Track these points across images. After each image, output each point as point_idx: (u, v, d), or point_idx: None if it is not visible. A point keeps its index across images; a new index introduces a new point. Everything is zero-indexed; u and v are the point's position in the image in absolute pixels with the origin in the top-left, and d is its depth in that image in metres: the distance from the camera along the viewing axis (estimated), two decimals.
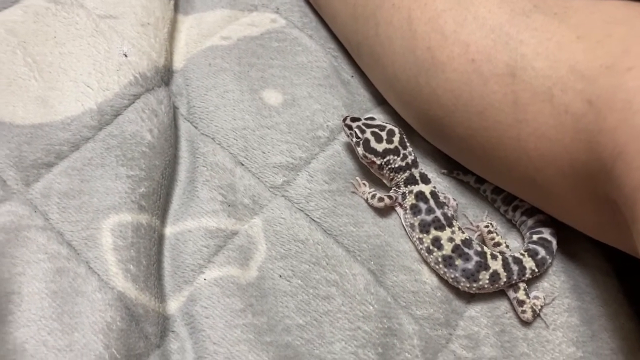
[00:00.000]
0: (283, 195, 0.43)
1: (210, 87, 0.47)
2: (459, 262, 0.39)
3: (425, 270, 0.41)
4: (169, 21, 0.50)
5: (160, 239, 0.40)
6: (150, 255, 0.38)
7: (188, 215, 0.41)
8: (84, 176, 0.40)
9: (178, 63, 0.50)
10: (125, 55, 0.45)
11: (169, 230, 0.41)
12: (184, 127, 0.46)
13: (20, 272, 0.36)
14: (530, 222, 0.43)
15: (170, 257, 0.40)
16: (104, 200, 0.39)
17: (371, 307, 0.39)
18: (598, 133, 0.32)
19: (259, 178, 0.43)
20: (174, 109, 0.47)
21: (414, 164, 0.43)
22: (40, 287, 0.35)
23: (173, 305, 0.39)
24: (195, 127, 0.46)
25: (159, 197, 0.41)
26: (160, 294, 0.38)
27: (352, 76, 0.51)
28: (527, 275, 0.40)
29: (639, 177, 0.30)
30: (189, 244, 0.40)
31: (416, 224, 0.41)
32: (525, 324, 0.40)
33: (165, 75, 0.47)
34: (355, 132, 0.43)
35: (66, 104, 0.43)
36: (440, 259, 0.40)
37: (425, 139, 0.46)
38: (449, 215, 0.41)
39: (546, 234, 0.42)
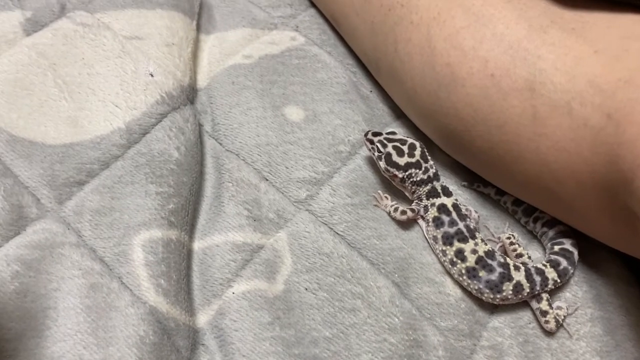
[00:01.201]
0: (307, 210, 0.44)
1: (234, 105, 0.49)
2: (482, 273, 0.40)
3: (448, 281, 0.42)
4: (192, 41, 0.51)
5: (189, 253, 0.41)
6: (180, 270, 0.39)
7: (215, 230, 0.42)
8: (114, 194, 0.41)
9: (202, 82, 0.51)
10: (152, 75, 0.47)
11: (197, 245, 0.42)
12: (209, 144, 0.47)
13: (56, 288, 0.37)
14: (551, 233, 0.43)
15: (198, 272, 0.41)
16: (135, 217, 0.40)
17: (396, 319, 0.39)
18: (617, 146, 0.33)
19: (283, 193, 0.44)
20: (199, 126, 0.48)
21: (436, 177, 0.44)
22: (75, 303, 0.36)
23: (202, 318, 0.40)
24: (220, 144, 0.47)
25: (187, 213, 0.42)
26: (190, 308, 0.39)
27: (371, 91, 0.52)
28: (549, 286, 0.40)
29: None
30: (217, 258, 0.41)
31: (439, 236, 0.42)
32: (549, 334, 0.40)
33: (190, 94, 0.48)
34: (377, 146, 0.44)
35: (95, 124, 0.44)
36: (464, 271, 0.40)
37: (445, 152, 0.47)
38: (472, 227, 0.42)
39: (567, 244, 0.42)
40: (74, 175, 0.41)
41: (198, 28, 0.54)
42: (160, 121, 0.45)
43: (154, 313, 0.37)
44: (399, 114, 0.51)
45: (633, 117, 0.32)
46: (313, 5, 0.57)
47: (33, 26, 0.49)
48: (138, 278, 0.38)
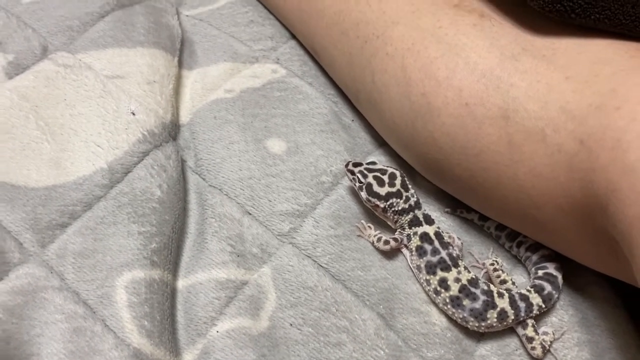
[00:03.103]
0: (290, 243, 0.44)
1: (216, 140, 0.49)
2: (466, 302, 0.40)
3: (434, 311, 0.42)
4: (173, 77, 0.51)
5: (173, 292, 0.41)
6: (163, 310, 0.39)
7: (199, 267, 0.42)
8: (97, 235, 0.41)
9: (184, 117, 0.51)
10: (133, 114, 0.47)
11: (181, 284, 0.42)
12: (192, 179, 0.48)
13: (39, 334, 0.37)
14: (534, 257, 0.43)
15: (183, 310, 0.41)
16: (117, 258, 0.40)
17: (382, 352, 0.39)
18: (591, 171, 0.33)
19: (266, 226, 0.44)
20: (182, 162, 0.48)
21: (417, 205, 0.44)
22: (58, 348, 0.36)
23: (188, 358, 0.39)
24: (203, 179, 0.47)
25: (170, 252, 0.42)
26: (175, 348, 0.39)
27: (353, 120, 0.53)
28: (534, 312, 0.40)
29: (633, 213, 0.30)
30: (201, 296, 0.41)
31: (422, 265, 0.42)
32: None
33: (172, 131, 0.48)
34: (357, 177, 0.44)
35: (78, 165, 0.44)
36: (448, 300, 0.40)
37: (427, 178, 0.47)
38: (454, 255, 0.42)
39: (551, 268, 0.42)
40: (57, 217, 0.42)
41: (180, 64, 0.54)
42: (143, 159, 0.45)
43: (138, 355, 0.37)
44: (381, 142, 0.51)
45: (604, 142, 0.33)
46: (294, 37, 0.58)
47: (15, 69, 0.50)
48: (121, 320, 0.38)
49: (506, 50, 0.39)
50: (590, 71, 0.36)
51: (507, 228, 0.45)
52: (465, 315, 0.40)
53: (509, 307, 0.40)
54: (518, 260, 0.45)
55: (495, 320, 0.39)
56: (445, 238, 0.43)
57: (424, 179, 0.48)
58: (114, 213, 0.42)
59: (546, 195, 0.37)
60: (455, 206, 0.47)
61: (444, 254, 0.41)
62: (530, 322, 0.40)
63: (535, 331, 0.40)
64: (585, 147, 0.34)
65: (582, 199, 0.35)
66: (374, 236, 0.44)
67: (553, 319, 0.42)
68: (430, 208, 0.47)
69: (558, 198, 0.36)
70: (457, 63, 0.40)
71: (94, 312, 0.38)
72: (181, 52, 0.55)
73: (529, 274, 0.44)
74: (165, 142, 0.47)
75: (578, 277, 0.43)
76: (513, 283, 0.42)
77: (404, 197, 0.43)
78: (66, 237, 0.41)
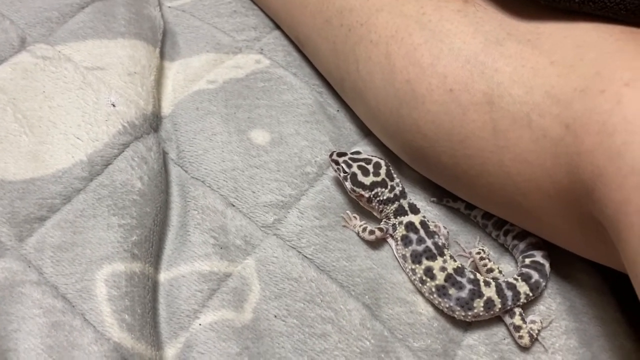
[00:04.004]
0: (275, 234, 0.43)
1: (199, 131, 0.48)
2: (452, 291, 0.39)
3: (420, 301, 0.41)
4: (155, 69, 0.51)
5: (155, 286, 0.41)
6: (144, 303, 0.39)
7: (181, 260, 0.42)
8: (76, 228, 0.40)
9: (166, 109, 0.51)
10: (114, 105, 0.46)
11: (163, 277, 0.41)
12: (174, 171, 0.47)
13: (16, 329, 0.36)
14: (522, 245, 0.43)
15: (165, 304, 0.40)
16: (97, 251, 0.39)
17: (368, 343, 0.38)
18: (577, 156, 0.33)
19: (250, 218, 0.44)
20: (164, 154, 0.47)
21: (402, 194, 0.43)
22: (36, 343, 0.35)
23: (170, 352, 0.39)
24: (186, 171, 0.47)
25: (152, 244, 0.41)
26: (156, 342, 0.38)
27: (338, 110, 0.52)
28: (521, 300, 0.40)
29: (619, 198, 0.30)
30: (183, 289, 0.40)
31: (408, 254, 0.41)
32: (524, 349, 0.40)
33: (153, 122, 0.48)
34: (342, 167, 0.43)
35: (57, 157, 0.43)
36: (434, 289, 0.40)
37: (413, 168, 0.47)
38: (440, 244, 0.41)
39: (538, 256, 0.42)
40: (35, 211, 0.41)
41: (162, 55, 0.53)
42: (123, 151, 0.44)
43: (118, 349, 0.36)
44: (367, 132, 0.50)
45: (590, 127, 0.32)
46: (278, 27, 0.57)
47: None
48: (101, 314, 0.37)
49: (490, 35, 0.39)
50: (575, 55, 0.35)
51: (494, 216, 0.44)
52: (451, 304, 0.39)
53: (496, 296, 0.39)
54: (505, 249, 0.45)
55: (482, 309, 0.39)
56: (430, 227, 0.42)
57: (410, 168, 0.47)
58: (94, 206, 0.41)
59: (532, 181, 0.36)
60: (441, 195, 0.46)
61: (429, 242, 0.41)
62: (517, 310, 0.40)
63: (523, 320, 0.39)
64: (571, 132, 0.33)
65: (568, 184, 0.34)
66: (359, 226, 0.43)
67: (541, 307, 0.41)
68: (416, 197, 0.46)
69: (544, 184, 0.36)
70: (441, 49, 0.40)
71: (73, 306, 0.37)
72: (163, 44, 0.54)
73: (516, 262, 0.44)
74: (146, 133, 0.46)
75: (565, 265, 0.43)
76: (500, 272, 0.42)
77: (389, 187, 0.43)
78: (45, 230, 0.40)
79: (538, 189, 0.36)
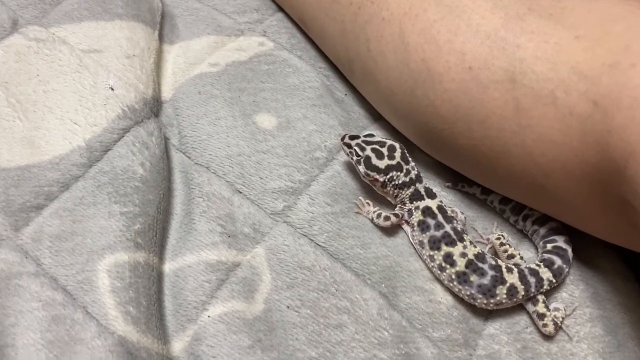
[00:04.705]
0: (285, 221, 0.41)
1: (202, 115, 0.46)
2: (473, 277, 0.37)
3: (438, 289, 0.39)
4: (154, 51, 0.48)
5: (160, 276, 0.39)
6: (150, 294, 0.37)
7: (187, 249, 0.40)
8: (75, 217, 0.38)
9: (167, 93, 0.48)
10: (112, 89, 0.44)
11: (168, 267, 0.39)
12: (176, 158, 0.45)
13: (14, 323, 0.34)
14: (542, 230, 0.41)
15: (171, 295, 0.38)
16: (98, 241, 0.37)
17: (386, 333, 0.37)
18: (607, 133, 0.31)
19: (258, 205, 0.42)
20: (165, 140, 0.45)
21: (418, 178, 0.42)
22: (35, 338, 0.33)
23: (177, 346, 0.37)
24: (189, 157, 0.44)
25: (155, 233, 0.39)
26: (163, 335, 0.36)
27: (346, 94, 0.50)
28: (545, 287, 0.38)
29: None
30: (190, 280, 0.38)
31: (425, 240, 0.39)
32: (548, 337, 0.38)
33: (154, 107, 0.45)
34: (355, 150, 0.42)
35: (53, 143, 0.41)
36: (454, 276, 0.38)
37: (426, 152, 0.45)
38: (459, 229, 0.40)
39: (560, 242, 0.40)
40: (32, 199, 0.39)
41: (161, 38, 0.51)
42: (123, 137, 0.42)
43: (123, 344, 0.34)
44: (377, 117, 0.48)
45: (621, 102, 0.31)
46: (280, 9, 0.55)
47: None
48: (104, 306, 0.35)
49: (511, 10, 0.37)
50: (601, 29, 0.34)
51: (512, 201, 0.43)
52: (473, 292, 0.37)
53: (519, 283, 0.38)
54: (524, 235, 0.43)
55: (504, 296, 0.37)
56: (448, 212, 0.40)
57: (422, 153, 0.46)
58: (94, 193, 0.39)
59: (557, 161, 0.35)
60: (456, 180, 0.45)
61: (448, 228, 0.39)
62: (540, 297, 0.38)
63: (547, 307, 0.38)
64: (600, 109, 0.32)
65: (597, 164, 0.33)
66: (373, 212, 0.41)
67: (563, 294, 0.40)
68: (429, 183, 0.44)
69: (570, 164, 0.34)
70: (459, 25, 0.38)
71: (74, 299, 0.35)
72: (162, 26, 0.52)
73: (536, 248, 0.42)
74: (146, 118, 0.44)
75: (587, 251, 0.41)
76: (521, 258, 0.40)
77: (404, 170, 0.41)
78: (42, 219, 0.38)
79: (563, 169, 0.35)
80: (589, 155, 0.33)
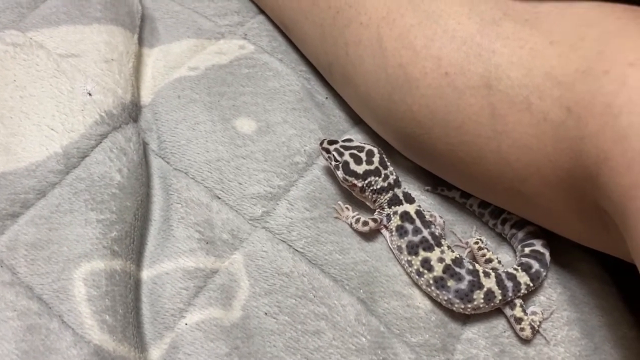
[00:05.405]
0: (263, 227, 0.41)
1: (181, 120, 0.46)
2: (451, 282, 0.38)
3: (417, 294, 0.39)
4: (133, 55, 0.48)
5: (137, 284, 0.38)
6: (126, 303, 0.36)
7: (164, 256, 0.39)
8: (52, 224, 0.38)
9: (146, 97, 0.48)
10: (90, 94, 0.44)
11: (145, 274, 0.39)
12: (155, 163, 0.45)
13: None
14: (520, 234, 0.41)
15: (148, 303, 0.38)
16: (75, 249, 0.37)
17: (364, 339, 0.37)
18: (580, 140, 0.31)
19: (237, 211, 0.42)
20: (144, 145, 0.45)
21: (397, 183, 0.42)
22: (10, 348, 0.33)
23: (155, 353, 0.36)
24: (168, 163, 0.44)
25: (133, 240, 0.39)
26: (140, 344, 0.36)
27: (327, 97, 0.50)
28: (522, 291, 0.38)
29: (626, 182, 0.28)
30: (167, 287, 0.38)
31: (403, 246, 0.39)
32: (525, 341, 0.38)
33: (132, 112, 0.45)
34: (333, 155, 0.41)
35: (30, 150, 0.41)
36: (431, 281, 0.38)
37: (405, 156, 0.45)
38: (437, 234, 0.40)
39: (538, 245, 0.40)
40: (7, 207, 0.38)
41: (140, 42, 0.51)
42: (100, 142, 0.41)
43: (99, 353, 0.34)
44: (357, 120, 0.48)
45: (593, 109, 0.31)
46: (261, 11, 0.55)
47: None
48: (80, 315, 0.35)
49: (486, 15, 0.37)
50: (575, 34, 0.34)
51: (491, 205, 0.43)
52: (450, 296, 0.38)
53: (496, 287, 0.38)
54: (503, 238, 0.43)
55: (482, 301, 0.37)
56: (426, 217, 0.40)
57: (402, 156, 0.46)
58: (70, 200, 0.39)
59: (532, 167, 0.35)
60: (436, 184, 0.45)
61: (426, 233, 0.39)
62: (518, 302, 0.38)
63: (524, 311, 0.38)
64: (573, 115, 0.32)
65: (571, 170, 0.33)
66: (352, 217, 0.41)
67: (541, 297, 0.40)
68: (409, 187, 0.44)
69: (544, 170, 0.34)
70: (436, 31, 0.38)
71: (50, 308, 0.35)
72: (141, 29, 0.52)
73: (514, 252, 0.42)
74: (124, 123, 0.43)
75: (564, 254, 0.42)
76: (499, 262, 0.40)
77: (382, 175, 0.41)
78: (17, 227, 0.38)
79: (538, 175, 0.35)
80: (562, 161, 0.33)
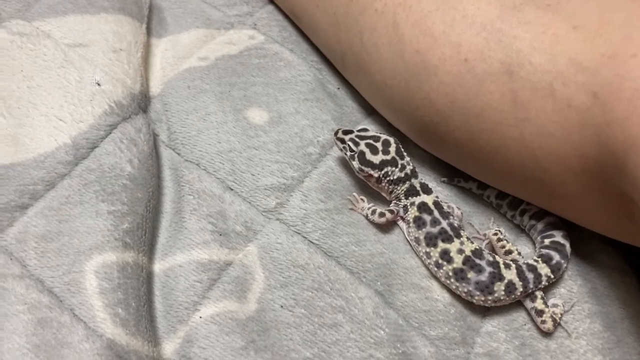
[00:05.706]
0: (277, 219, 0.40)
1: (191, 111, 0.45)
2: (471, 274, 0.37)
3: (435, 286, 0.39)
4: (142, 45, 0.47)
5: (149, 277, 0.38)
6: (139, 296, 0.36)
7: (177, 248, 0.39)
8: (62, 216, 0.37)
9: (155, 88, 0.47)
10: (98, 84, 0.43)
11: (157, 267, 0.38)
12: (165, 154, 0.44)
13: None
14: (540, 225, 0.40)
15: (161, 296, 0.37)
16: (85, 241, 0.36)
17: (382, 332, 0.36)
18: (606, 126, 0.31)
19: (250, 202, 0.41)
20: (154, 136, 0.44)
21: (414, 174, 0.41)
22: (21, 342, 0.32)
23: (168, 348, 0.36)
24: (178, 154, 0.43)
25: (145, 232, 0.38)
26: (153, 337, 0.35)
27: (339, 88, 0.49)
28: (543, 283, 0.38)
29: None
30: (181, 279, 0.37)
31: (422, 237, 0.39)
32: (546, 334, 0.38)
33: (142, 102, 0.44)
34: (348, 145, 0.41)
35: (38, 141, 0.40)
36: (451, 273, 0.37)
37: (421, 147, 0.44)
38: (456, 225, 0.39)
39: (558, 236, 0.39)
40: (16, 198, 0.37)
41: (148, 32, 0.50)
42: (110, 133, 0.41)
43: (112, 347, 0.33)
44: (370, 111, 0.48)
45: (621, 93, 0.30)
46: (271, 1, 0.54)
47: None
48: (92, 308, 0.34)
49: (507, 0, 0.36)
50: (600, 19, 0.33)
51: (509, 196, 0.42)
52: (470, 288, 0.37)
53: (517, 279, 0.37)
54: (521, 230, 0.42)
55: (502, 293, 0.37)
56: (444, 208, 0.40)
57: (417, 147, 0.45)
58: (80, 192, 0.38)
59: (555, 155, 0.34)
60: (452, 175, 0.44)
61: (444, 224, 0.38)
62: (539, 294, 0.38)
63: (545, 303, 0.37)
64: (599, 100, 0.31)
65: (596, 157, 0.32)
66: (368, 209, 0.40)
67: (561, 290, 0.39)
68: (425, 178, 0.43)
69: (569, 158, 0.33)
70: (454, 16, 0.37)
71: (61, 301, 0.34)
72: (150, 19, 0.51)
73: (533, 243, 0.41)
74: (134, 114, 0.43)
75: (585, 245, 0.41)
76: (519, 253, 0.39)
77: (399, 165, 0.40)
78: (27, 219, 0.37)
79: (561, 163, 0.34)
80: (588, 148, 0.32)
